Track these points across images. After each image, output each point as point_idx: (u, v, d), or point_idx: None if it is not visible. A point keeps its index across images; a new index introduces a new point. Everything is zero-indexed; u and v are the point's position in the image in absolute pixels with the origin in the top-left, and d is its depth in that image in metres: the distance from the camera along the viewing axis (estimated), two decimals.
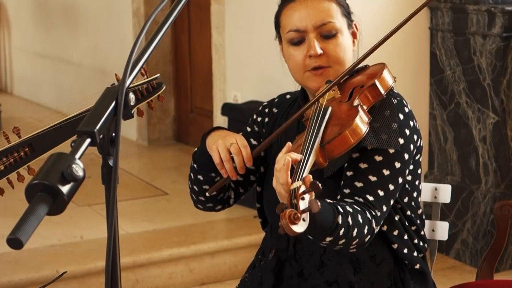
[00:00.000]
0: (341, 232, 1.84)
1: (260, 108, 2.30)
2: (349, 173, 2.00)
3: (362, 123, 1.91)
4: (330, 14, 2.06)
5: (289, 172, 1.74)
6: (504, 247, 2.64)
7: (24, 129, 1.93)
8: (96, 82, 6.71)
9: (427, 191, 2.40)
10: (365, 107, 1.97)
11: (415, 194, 2.13)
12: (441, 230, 2.40)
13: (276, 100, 2.30)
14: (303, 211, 1.64)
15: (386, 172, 1.98)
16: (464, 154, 4.30)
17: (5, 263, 3.86)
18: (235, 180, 2.09)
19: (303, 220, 1.64)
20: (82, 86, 7.00)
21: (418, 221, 2.14)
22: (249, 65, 5.03)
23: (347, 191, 1.98)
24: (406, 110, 2.04)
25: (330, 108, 1.96)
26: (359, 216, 1.90)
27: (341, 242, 1.87)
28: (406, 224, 2.10)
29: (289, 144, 1.85)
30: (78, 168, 1.21)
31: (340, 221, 1.83)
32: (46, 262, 3.91)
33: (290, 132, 2.13)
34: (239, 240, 4.19)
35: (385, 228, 2.06)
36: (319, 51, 2.04)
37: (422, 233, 2.15)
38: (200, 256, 4.11)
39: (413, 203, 2.12)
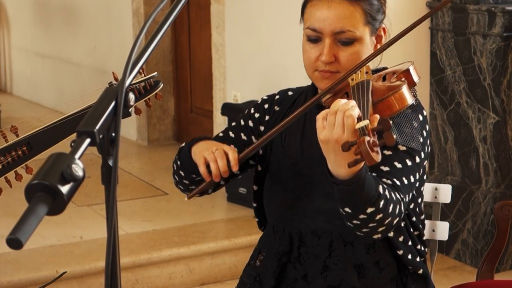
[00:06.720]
0: (381, 203, 1.81)
1: (259, 102, 2.25)
2: None
3: (408, 92, 1.88)
4: (351, 22, 2.01)
5: (354, 115, 1.67)
6: (505, 247, 2.64)
7: (22, 128, 1.93)
8: (95, 82, 6.70)
9: (427, 191, 2.40)
10: None
11: (419, 200, 2.13)
12: (442, 230, 2.40)
13: (277, 97, 2.25)
14: (378, 143, 1.55)
15: (408, 163, 1.98)
16: (465, 154, 4.30)
17: (5, 263, 3.86)
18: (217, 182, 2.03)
19: (377, 153, 1.54)
20: (82, 86, 6.99)
21: (421, 226, 2.14)
22: (249, 65, 5.02)
23: (373, 174, 1.93)
24: (424, 113, 2.06)
25: (371, 81, 1.91)
26: (392, 193, 1.88)
27: (378, 217, 1.83)
28: (411, 230, 2.11)
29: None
30: (77, 168, 1.20)
31: (381, 191, 1.82)
32: (46, 262, 3.90)
33: (295, 128, 2.12)
34: (239, 240, 4.18)
35: (391, 234, 2.05)
36: (330, 59, 2.02)
37: (424, 238, 2.16)
38: (200, 256, 4.10)
39: (417, 209, 2.13)
